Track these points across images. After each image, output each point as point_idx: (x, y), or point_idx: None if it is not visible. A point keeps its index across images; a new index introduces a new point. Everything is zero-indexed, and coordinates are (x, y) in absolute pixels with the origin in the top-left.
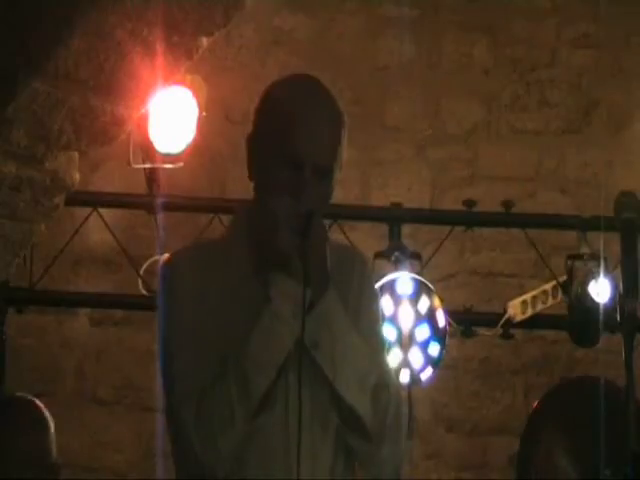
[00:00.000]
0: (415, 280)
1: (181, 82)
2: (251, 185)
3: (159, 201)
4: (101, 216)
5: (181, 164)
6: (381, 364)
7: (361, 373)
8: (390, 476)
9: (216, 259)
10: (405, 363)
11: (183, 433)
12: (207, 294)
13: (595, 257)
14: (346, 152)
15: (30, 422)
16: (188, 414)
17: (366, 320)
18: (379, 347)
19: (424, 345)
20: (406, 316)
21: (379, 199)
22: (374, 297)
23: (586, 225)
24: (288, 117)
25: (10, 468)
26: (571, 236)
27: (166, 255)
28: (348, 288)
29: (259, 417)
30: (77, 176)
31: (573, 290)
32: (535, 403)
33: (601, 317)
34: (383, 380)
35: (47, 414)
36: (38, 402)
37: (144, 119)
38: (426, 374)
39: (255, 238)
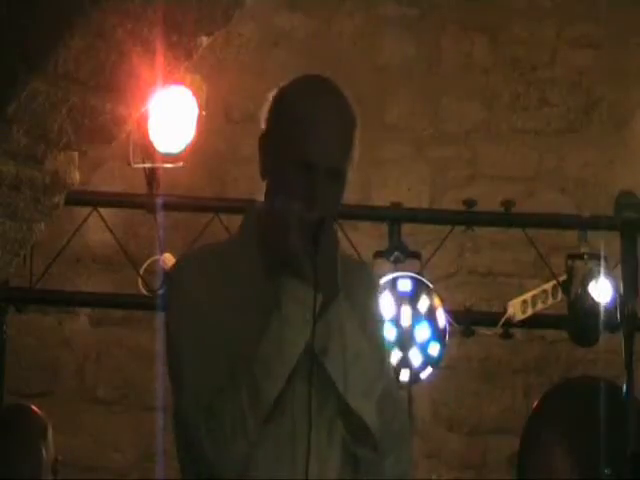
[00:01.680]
0: (415, 280)
1: (181, 81)
2: (251, 185)
3: (159, 201)
4: (101, 216)
5: (181, 164)
6: (387, 372)
7: (369, 381)
8: None
9: (225, 261)
10: (405, 363)
11: (193, 438)
12: (216, 297)
13: (595, 257)
14: (357, 151)
15: (29, 430)
16: (199, 418)
17: (372, 328)
18: (385, 354)
19: (424, 345)
20: (406, 316)
21: (379, 199)
22: (378, 306)
23: (586, 225)
24: (300, 119)
25: (10, 475)
26: (571, 236)
27: (166, 255)
28: (355, 296)
29: (268, 423)
30: (77, 176)
31: (573, 290)
32: (535, 403)
33: (601, 317)
34: (389, 388)
35: (45, 420)
36: (35, 408)
37: (144, 119)
38: (426, 373)
39: (266, 241)
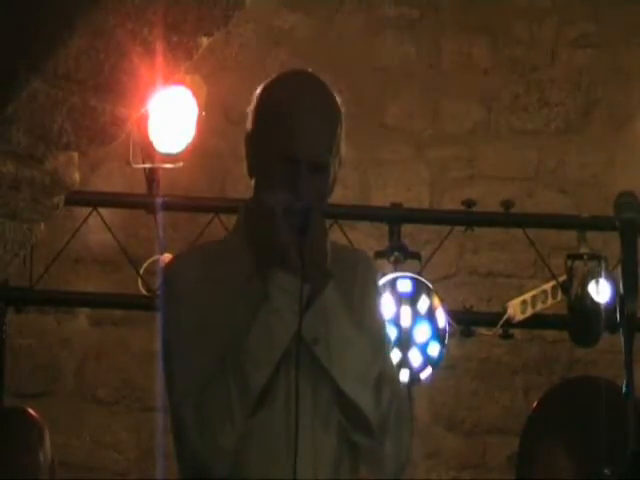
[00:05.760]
0: (415, 280)
1: (181, 82)
2: (251, 184)
3: (159, 201)
4: (101, 216)
5: (181, 164)
6: (384, 359)
7: (362, 368)
8: (394, 472)
9: (217, 259)
10: (405, 363)
11: (183, 431)
12: (208, 294)
13: (595, 257)
14: (345, 146)
15: (25, 433)
16: (188, 412)
17: (371, 316)
18: (383, 342)
19: (424, 345)
20: (406, 316)
21: (379, 199)
22: (378, 294)
23: (586, 225)
24: (282, 113)
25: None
26: (571, 236)
27: (166, 255)
28: (352, 285)
29: (259, 414)
30: (77, 176)
31: (573, 290)
32: (535, 403)
33: (601, 317)
34: (385, 375)
35: (42, 423)
36: (32, 411)
37: (144, 119)
38: (426, 374)
39: (253, 235)
